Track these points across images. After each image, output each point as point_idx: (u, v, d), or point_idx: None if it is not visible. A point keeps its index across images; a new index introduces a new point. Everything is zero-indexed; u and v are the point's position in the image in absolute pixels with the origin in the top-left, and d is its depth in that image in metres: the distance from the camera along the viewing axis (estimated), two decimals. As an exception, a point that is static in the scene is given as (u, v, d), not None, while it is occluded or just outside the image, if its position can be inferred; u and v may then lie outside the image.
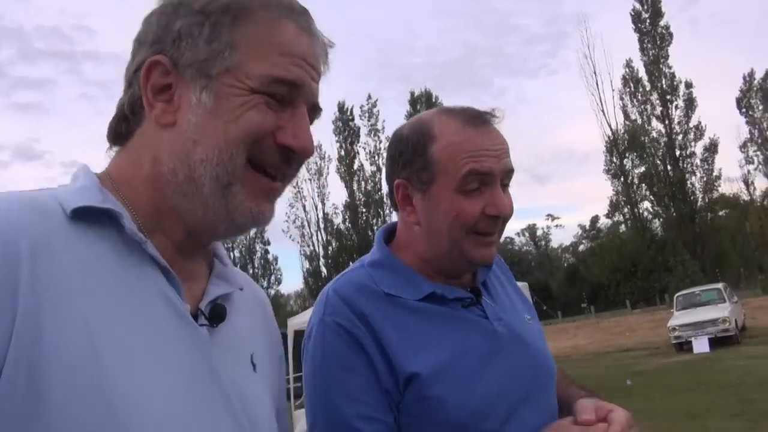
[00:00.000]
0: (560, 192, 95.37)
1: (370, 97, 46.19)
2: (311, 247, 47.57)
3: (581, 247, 62.80)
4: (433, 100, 46.03)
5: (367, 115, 46.08)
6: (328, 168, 47.83)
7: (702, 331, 14.99)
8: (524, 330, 1.08)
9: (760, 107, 41.31)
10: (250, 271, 51.53)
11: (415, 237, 1.05)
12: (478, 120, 1.01)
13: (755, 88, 41.52)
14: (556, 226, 70.75)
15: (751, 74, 41.81)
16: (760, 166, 41.38)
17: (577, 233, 65.11)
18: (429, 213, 1.01)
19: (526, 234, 69.94)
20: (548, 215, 69.60)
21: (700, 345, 14.70)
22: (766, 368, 10.44)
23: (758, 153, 41.33)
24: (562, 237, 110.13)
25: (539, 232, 69.46)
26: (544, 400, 0.99)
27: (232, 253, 51.84)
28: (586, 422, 0.89)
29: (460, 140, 0.98)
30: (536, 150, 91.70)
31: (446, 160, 0.98)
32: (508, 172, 1.02)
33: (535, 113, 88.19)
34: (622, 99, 40.77)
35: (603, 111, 53.07)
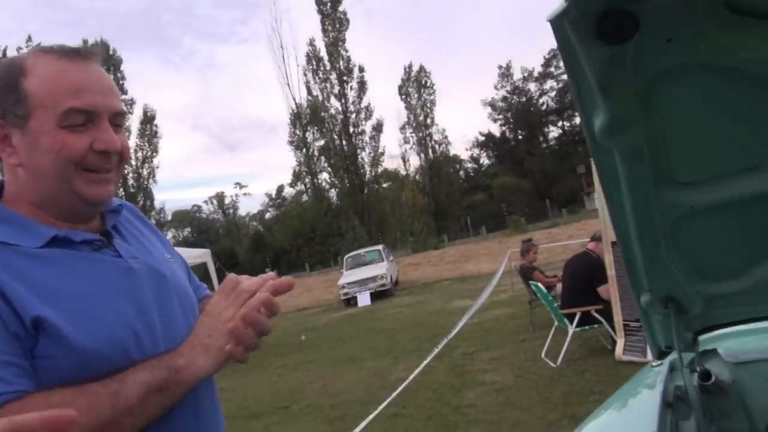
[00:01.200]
0: (249, 161, 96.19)
1: (30, 39, 39.30)
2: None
3: (267, 215, 65.05)
4: (111, 52, 41.61)
5: (25, 60, 39.18)
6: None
7: (365, 287, 17.20)
8: (163, 266, 1.10)
9: (416, 95, 48.65)
10: None
11: (23, 183, 0.98)
12: (75, 55, 0.98)
13: (412, 79, 48.62)
14: (245, 194, 71.85)
15: (410, 66, 48.85)
16: (414, 146, 48.98)
17: (264, 201, 67.21)
18: (31, 150, 0.95)
19: (215, 202, 69.35)
20: (237, 183, 70.32)
21: (363, 299, 16.85)
22: (410, 315, 12.56)
23: (413, 135, 48.79)
24: (250, 205, 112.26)
25: (227, 200, 69.58)
26: (184, 326, 1.04)
27: None
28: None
29: (56, 74, 0.95)
30: (227, 118, 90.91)
31: (43, 94, 0.93)
32: (117, 114, 1.00)
33: (226, 80, 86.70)
34: (305, 75, 43.20)
35: (288, 85, 55.71)
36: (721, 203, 1.29)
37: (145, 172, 42.74)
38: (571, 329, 5.92)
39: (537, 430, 4.23)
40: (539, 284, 6.67)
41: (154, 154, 43.16)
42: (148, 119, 43.03)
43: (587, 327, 5.95)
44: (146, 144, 42.90)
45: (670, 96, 1.07)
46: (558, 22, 0.90)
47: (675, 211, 1.32)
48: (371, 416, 4.24)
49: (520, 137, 55.40)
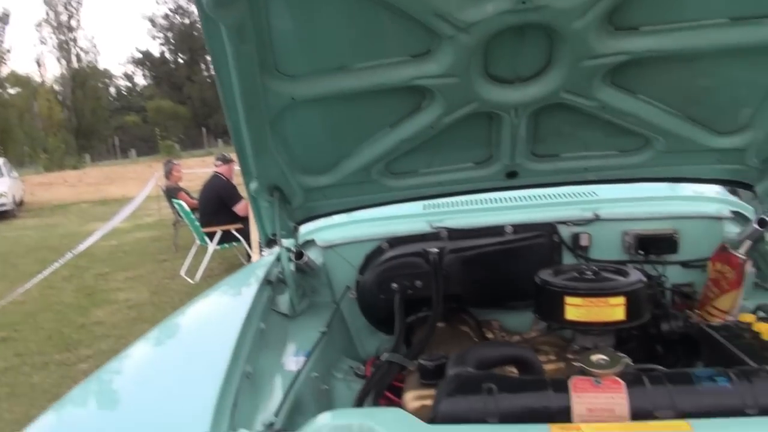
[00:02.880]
0: None
1: None
2: None
3: None
4: None
5: None
6: None
7: (-25, 207, 14.46)
8: None
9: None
10: None
11: None
12: None
13: (54, -31, 41.10)
14: None
15: (52, -49, 41.08)
16: (54, 50, 42.01)
17: None
18: None
19: None
20: None
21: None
22: (35, 238, 11.11)
23: (53, 36, 41.67)
24: None
25: None
26: None
27: None
28: None
29: None
30: None
31: None
32: None
33: None
34: None
35: None
36: (316, 98, 1.47)
37: None
38: (211, 247, 6.09)
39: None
40: (182, 203, 6.62)
41: None
42: None
43: (226, 245, 6.20)
44: None
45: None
46: None
47: (279, 100, 1.45)
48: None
49: (180, 61, 52.68)
